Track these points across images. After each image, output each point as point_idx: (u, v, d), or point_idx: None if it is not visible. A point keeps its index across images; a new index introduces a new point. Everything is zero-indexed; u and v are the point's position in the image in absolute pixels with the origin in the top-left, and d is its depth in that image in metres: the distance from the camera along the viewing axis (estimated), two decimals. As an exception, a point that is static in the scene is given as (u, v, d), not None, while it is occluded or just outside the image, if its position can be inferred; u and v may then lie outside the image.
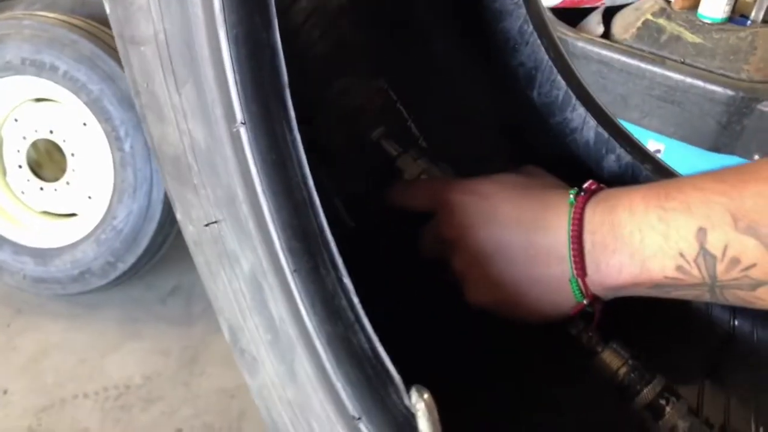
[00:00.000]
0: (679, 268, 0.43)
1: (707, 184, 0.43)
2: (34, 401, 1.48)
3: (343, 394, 0.41)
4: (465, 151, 0.67)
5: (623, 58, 1.64)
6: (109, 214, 1.58)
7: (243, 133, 0.38)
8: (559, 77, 0.62)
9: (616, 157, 0.61)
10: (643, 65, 1.62)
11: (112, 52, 1.52)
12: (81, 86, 1.52)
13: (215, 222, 0.42)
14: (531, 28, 0.61)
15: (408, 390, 0.42)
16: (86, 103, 1.53)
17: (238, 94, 0.37)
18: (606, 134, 0.61)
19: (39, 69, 1.53)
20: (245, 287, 0.45)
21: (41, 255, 1.64)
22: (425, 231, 0.59)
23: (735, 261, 0.41)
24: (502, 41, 0.64)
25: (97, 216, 1.60)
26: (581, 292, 0.50)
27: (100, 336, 1.64)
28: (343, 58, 0.63)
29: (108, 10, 0.41)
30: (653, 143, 1.71)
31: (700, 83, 1.55)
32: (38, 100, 1.61)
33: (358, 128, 0.62)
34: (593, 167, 0.62)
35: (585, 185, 0.52)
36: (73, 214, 1.68)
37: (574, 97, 0.62)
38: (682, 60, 1.61)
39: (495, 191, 0.55)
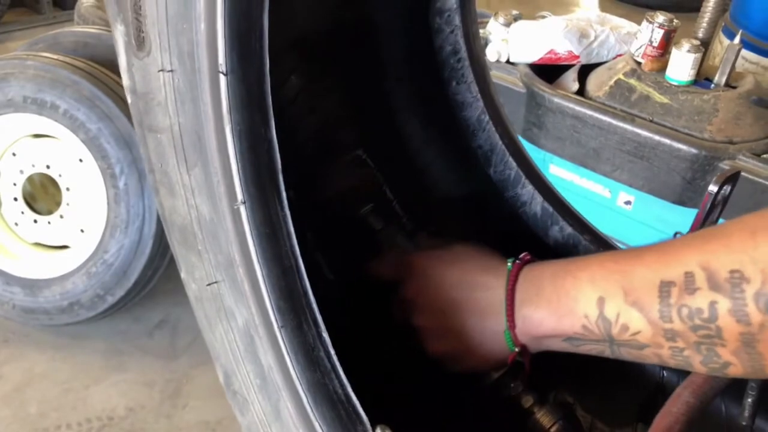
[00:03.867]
0: (584, 326, 0.53)
1: (608, 263, 0.53)
2: (17, 431, 1.51)
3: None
4: (433, 215, 0.75)
5: (596, 115, 1.74)
6: (101, 248, 1.62)
7: (242, 210, 0.45)
8: (510, 159, 0.72)
9: (559, 228, 0.70)
10: (614, 122, 1.71)
11: (111, 93, 1.58)
12: (80, 125, 1.58)
13: (215, 282, 0.49)
14: (488, 117, 0.72)
15: (374, 428, 0.49)
16: (84, 141, 1.58)
17: (240, 178, 0.45)
18: (551, 208, 0.70)
19: (40, 107, 1.59)
20: (239, 339, 0.51)
21: (31, 286, 1.68)
22: (395, 296, 0.68)
23: (625, 327, 0.50)
24: (464, 127, 0.75)
25: (88, 249, 1.64)
26: (513, 342, 0.59)
27: (85, 367, 1.67)
28: (328, 131, 0.72)
29: (129, 101, 0.48)
30: (624, 195, 1.80)
31: (666, 141, 1.65)
32: (37, 135, 1.67)
33: (350, 204, 0.72)
34: (541, 235, 0.71)
35: (521, 256, 0.63)
36: (65, 247, 1.72)
37: (523, 176, 0.72)
38: (651, 118, 1.70)
39: (447, 258, 0.67)
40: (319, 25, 0.69)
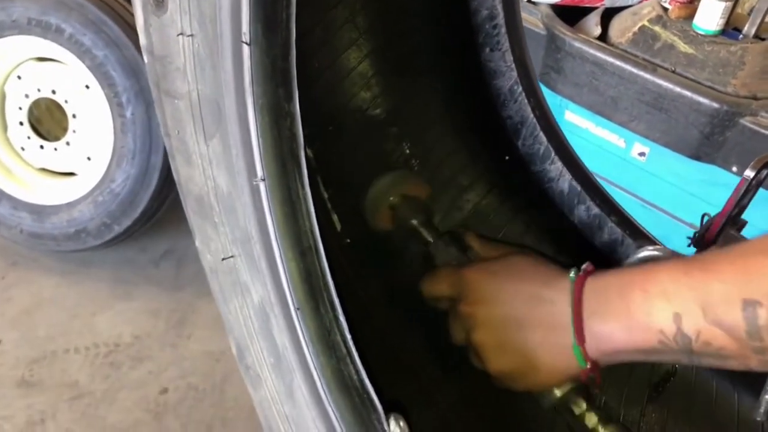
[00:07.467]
0: (660, 341, 0.51)
1: (679, 275, 0.51)
2: (26, 352, 1.54)
3: (333, 417, 0.48)
4: (455, 178, 0.73)
5: (617, 62, 1.69)
6: (108, 177, 1.61)
7: (262, 187, 0.43)
8: (541, 133, 0.70)
9: (585, 208, 0.68)
10: (635, 71, 1.66)
11: (119, 19, 1.53)
12: (85, 50, 1.53)
13: (231, 257, 0.48)
14: (520, 88, 0.68)
15: (387, 417, 0.49)
16: (90, 68, 1.54)
17: (260, 154, 0.43)
18: (579, 187, 0.68)
19: (44, 30, 1.54)
20: (254, 315, 0.51)
21: (38, 211, 1.68)
22: (450, 316, 0.66)
23: (707, 343, 0.48)
24: (495, 96, 0.72)
25: (95, 178, 1.63)
26: (583, 357, 0.56)
27: (91, 294, 1.69)
28: (348, 88, 0.69)
29: (146, 61, 0.46)
30: (639, 146, 1.77)
31: (687, 93, 1.60)
32: (41, 59, 1.63)
33: (400, 214, 0.69)
34: (566, 213, 0.69)
35: (584, 266, 0.59)
36: (72, 174, 1.71)
37: (553, 152, 0.69)
38: (673, 69, 1.65)
39: (503, 270, 0.64)
40: None
